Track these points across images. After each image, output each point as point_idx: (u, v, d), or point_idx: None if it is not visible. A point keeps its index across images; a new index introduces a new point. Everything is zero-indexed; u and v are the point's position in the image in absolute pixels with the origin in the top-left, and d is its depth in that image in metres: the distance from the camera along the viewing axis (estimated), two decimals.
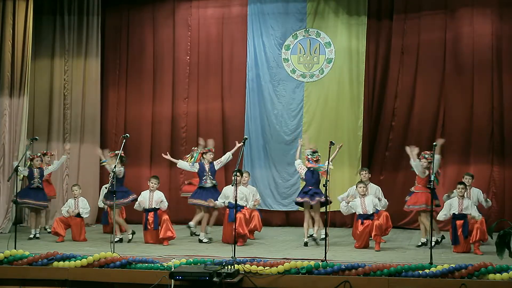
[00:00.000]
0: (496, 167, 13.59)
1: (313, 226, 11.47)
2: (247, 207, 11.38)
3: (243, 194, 11.40)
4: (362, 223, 10.89)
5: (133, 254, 9.39)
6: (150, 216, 11.30)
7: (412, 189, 11.47)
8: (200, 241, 11.39)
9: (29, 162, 12.15)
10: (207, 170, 11.75)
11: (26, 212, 14.01)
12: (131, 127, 14.75)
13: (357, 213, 11.08)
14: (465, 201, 10.68)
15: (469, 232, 10.44)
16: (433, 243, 10.86)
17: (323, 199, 10.74)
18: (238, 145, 11.71)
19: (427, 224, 11.06)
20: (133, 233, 11.71)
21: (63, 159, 12.80)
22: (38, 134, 13.31)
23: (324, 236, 10.64)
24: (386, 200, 11.50)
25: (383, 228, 10.78)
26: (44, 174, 12.24)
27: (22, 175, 12.00)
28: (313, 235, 11.29)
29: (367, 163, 13.89)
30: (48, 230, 12.61)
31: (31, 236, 11.86)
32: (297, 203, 11.71)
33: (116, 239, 11.11)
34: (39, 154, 12.41)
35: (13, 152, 12.87)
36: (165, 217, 11.25)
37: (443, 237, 11.42)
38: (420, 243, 11.10)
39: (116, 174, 10.77)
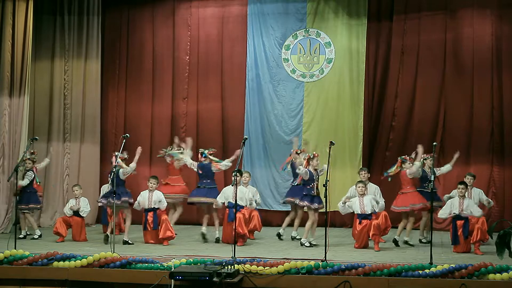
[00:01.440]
0: (496, 167, 13.61)
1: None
2: (246, 207, 11.38)
3: (243, 194, 11.39)
4: (360, 223, 10.91)
5: (133, 254, 9.39)
6: (150, 216, 11.31)
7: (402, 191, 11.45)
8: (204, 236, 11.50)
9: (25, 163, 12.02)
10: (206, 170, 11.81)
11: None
12: (131, 127, 14.75)
13: (355, 213, 11.09)
14: (466, 201, 10.68)
15: (470, 232, 10.44)
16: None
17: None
18: (237, 152, 11.50)
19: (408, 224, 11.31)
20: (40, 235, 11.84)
21: (46, 163, 12.73)
22: (38, 134, 13.31)
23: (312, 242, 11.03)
24: (383, 203, 11.41)
25: (381, 227, 10.77)
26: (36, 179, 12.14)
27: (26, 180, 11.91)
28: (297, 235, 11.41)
29: (367, 163, 13.90)
30: (38, 234, 12.21)
31: (21, 236, 11.78)
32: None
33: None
34: (28, 156, 12.07)
35: (13, 152, 12.87)
36: (164, 217, 11.27)
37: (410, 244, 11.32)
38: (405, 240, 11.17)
39: (131, 173, 11.19)
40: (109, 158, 13.97)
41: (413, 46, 14.07)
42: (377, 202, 11.24)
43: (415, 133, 14.01)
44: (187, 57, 14.86)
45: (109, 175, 10.97)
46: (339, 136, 13.77)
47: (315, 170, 11.31)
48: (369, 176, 12.06)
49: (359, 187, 11.10)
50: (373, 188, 11.79)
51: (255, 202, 11.69)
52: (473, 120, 13.76)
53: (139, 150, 11.51)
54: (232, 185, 10.84)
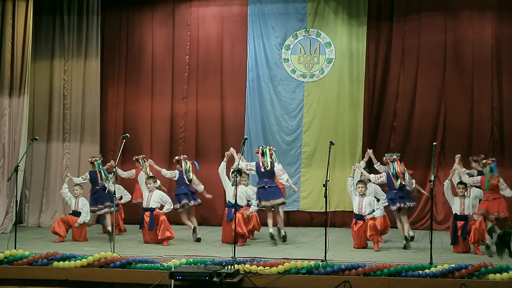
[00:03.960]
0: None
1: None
2: (250, 210, 11.34)
3: (242, 193, 11.38)
4: (355, 223, 10.90)
5: (133, 254, 9.39)
6: (146, 216, 11.32)
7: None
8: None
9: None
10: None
11: (26, 212, 14.02)
12: (130, 126, 14.74)
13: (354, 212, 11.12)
14: (467, 201, 10.67)
15: (468, 233, 10.43)
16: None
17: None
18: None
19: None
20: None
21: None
22: (38, 134, 13.31)
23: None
24: (382, 209, 11.13)
25: (378, 227, 10.75)
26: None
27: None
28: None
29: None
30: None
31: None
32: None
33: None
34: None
35: (13, 152, 12.87)
36: (162, 217, 11.25)
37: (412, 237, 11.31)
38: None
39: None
40: (108, 158, 14.02)
41: (414, 46, 14.07)
42: (378, 200, 11.23)
43: (415, 133, 14.02)
44: (187, 57, 14.84)
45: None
46: (339, 136, 13.78)
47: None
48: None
49: (359, 187, 11.06)
50: (372, 187, 11.76)
51: (255, 203, 11.57)
52: (473, 120, 13.77)
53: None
54: (232, 185, 10.82)
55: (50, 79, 14.30)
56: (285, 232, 11.51)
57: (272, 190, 11.28)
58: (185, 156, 12.24)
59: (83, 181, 12.24)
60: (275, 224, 11.43)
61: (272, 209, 11.38)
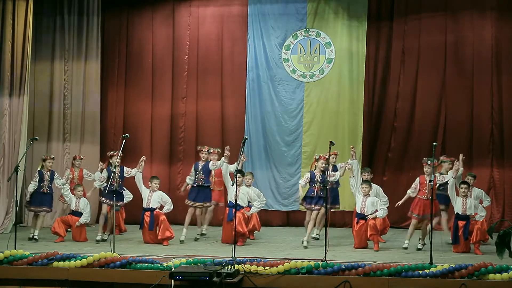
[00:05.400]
0: (496, 167, 13.61)
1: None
2: (251, 211, 11.34)
3: (247, 194, 11.37)
4: (357, 223, 10.91)
5: (133, 254, 9.39)
6: (146, 216, 11.31)
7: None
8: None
9: (41, 163, 11.90)
10: (199, 169, 11.74)
11: (26, 212, 14.00)
12: (130, 127, 14.72)
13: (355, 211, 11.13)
14: (469, 201, 10.67)
15: (470, 232, 10.44)
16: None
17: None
18: (241, 159, 11.64)
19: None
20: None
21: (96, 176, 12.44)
22: (38, 134, 13.30)
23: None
24: (386, 209, 11.07)
25: (378, 227, 10.75)
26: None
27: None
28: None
29: (367, 163, 13.87)
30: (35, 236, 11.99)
31: (30, 236, 11.77)
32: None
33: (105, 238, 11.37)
34: (52, 156, 12.19)
35: (13, 152, 12.87)
36: (162, 217, 11.24)
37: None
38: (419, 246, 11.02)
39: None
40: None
41: (414, 47, 14.06)
42: (380, 200, 11.22)
43: (416, 133, 14.02)
44: (186, 56, 14.83)
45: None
46: (339, 136, 13.77)
47: (321, 171, 11.29)
48: (371, 177, 12.05)
49: (363, 187, 11.06)
50: (374, 188, 11.75)
51: (257, 205, 11.54)
52: (474, 120, 13.78)
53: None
54: (233, 185, 10.82)
55: (51, 79, 14.29)
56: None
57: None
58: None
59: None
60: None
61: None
